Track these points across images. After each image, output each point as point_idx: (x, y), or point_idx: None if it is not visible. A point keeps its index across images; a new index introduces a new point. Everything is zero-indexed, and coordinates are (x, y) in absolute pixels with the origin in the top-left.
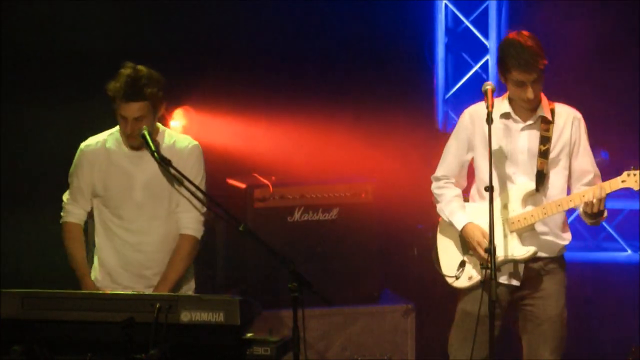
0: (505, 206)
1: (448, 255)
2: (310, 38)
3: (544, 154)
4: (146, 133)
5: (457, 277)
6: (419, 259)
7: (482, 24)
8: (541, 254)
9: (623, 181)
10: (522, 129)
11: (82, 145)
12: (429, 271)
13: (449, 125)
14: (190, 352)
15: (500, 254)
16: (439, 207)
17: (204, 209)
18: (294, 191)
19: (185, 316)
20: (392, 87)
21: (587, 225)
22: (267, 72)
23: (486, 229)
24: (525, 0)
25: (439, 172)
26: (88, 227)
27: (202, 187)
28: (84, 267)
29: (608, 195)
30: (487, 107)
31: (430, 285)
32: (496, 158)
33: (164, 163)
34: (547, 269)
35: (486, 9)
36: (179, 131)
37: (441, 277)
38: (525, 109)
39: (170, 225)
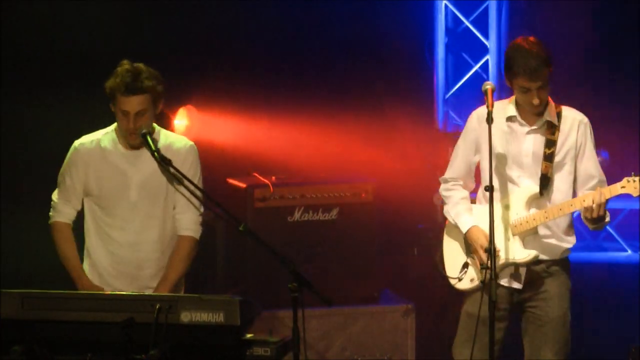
0: (509, 209)
1: (452, 257)
2: (310, 38)
3: (548, 158)
4: (146, 133)
5: (459, 279)
6: (419, 259)
7: (482, 24)
8: (543, 257)
9: (623, 187)
10: (528, 132)
11: (76, 143)
12: (429, 271)
13: (449, 125)
14: (190, 352)
15: (501, 257)
16: (445, 208)
17: (202, 209)
18: (294, 191)
19: (185, 316)
20: (392, 87)
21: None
22: (267, 72)
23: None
24: (525, 0)
25: (447, 174)
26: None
27: (200, 187)
28: (79, 267)
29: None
30: (487, 107)
31: (430, 285)
32: (502, 161)
33: (165, 163)
34: (550, 271)
35: (486, 9)
36: (182, 130)
37: (443, 278)
38: (532, 113)
39: (166, 226)
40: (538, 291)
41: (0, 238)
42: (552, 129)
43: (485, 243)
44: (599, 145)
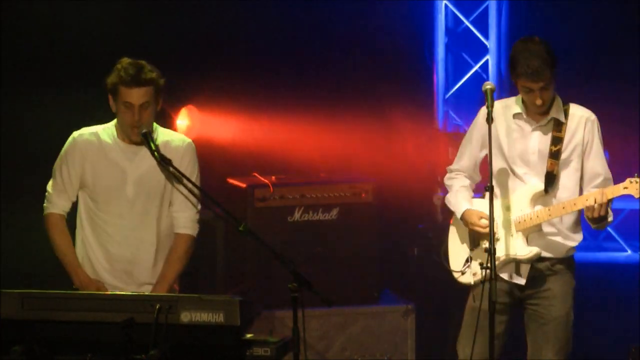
0: (513, 205)
1: (456, 251)
2: (310, 38)
3: (554, 155)
4: (147, 132)
5: (462, 273)
6: (419, 259)
7: (482, 24)
8: (548, 254)
9: (625, 188)
10: (534, 130)
11: (75, 134)
12: (429, 271)
13: (449, 125)
14: (190, 352)
15: (502, 253)
16: (447, 197)
17: (200, 207)
18: (294, 191)
19: (185, 316)
20: (393, 87)
21: (588, 225)
22: (268, 72)
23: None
24: (525, 0)
25: (454, 165)
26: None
27: (198, 184)
28: (75, 260)
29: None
30: (487, 107)
31: (430, 285)
32: (508, 158)
33: (165, 163)
34: (554, 269)
35: (486, 9)
36: (184, 130)
37: (447, 273)
38: (537, 112)
39: (162, 223)
40: (541, 289)
41: (0, 238)
42: (558, 126)
43: (476, 220)
44: None
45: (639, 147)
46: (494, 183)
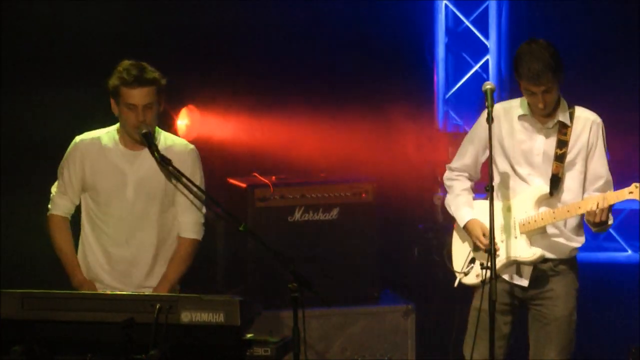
0: (517, 207)
1: (460, 251)
2: (310, 38)
3: (560, 158)
4: (147, 132)
5: (465, 274)
6: (419, 259)
7: (482, 24)
8: (551, 256)
9: (630, 192)
10: (539, 132)
11: (77, 138)
12: (429, 271)
13: (449, 125)
14: (190, 352)
15: (504, 255)
16: (447, 199)
17: (204, 210)
18: (295, 191)
19: (186, 317)
20: (393, 87)
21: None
22: (268, 72)
23: (495, 226)
24: (525, 0)
25: (454, 163)
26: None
27: (202, 189)
28: (74, 261)
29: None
30: (487, 107)
31: (430, 285)
32: (512, 159)
33: (164, 162)
34: (557, 270)
35: (486, 9)
36: (184, 130)
37: (448, 273)
38: (541, 114)
39: (163, 227)
40: (544, 290)
41: (0, 238)
42: (564, 129)
43: (479, 235)
44: None
45: (639, 147)
46: (495, 183)
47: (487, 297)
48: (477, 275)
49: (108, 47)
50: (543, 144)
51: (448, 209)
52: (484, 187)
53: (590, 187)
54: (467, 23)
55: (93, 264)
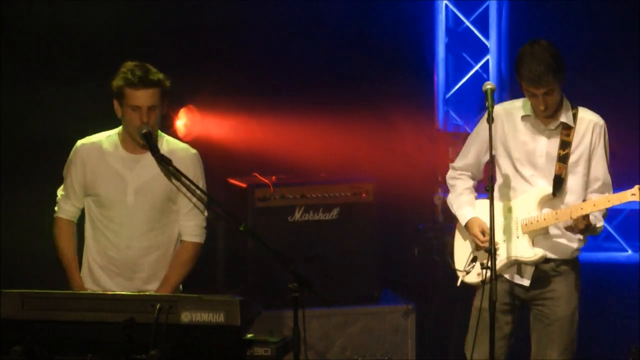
0: (520, 207)
1: (462, 250)
2: (311, 38)
3: (563, 159)
4: (147, 132)
5: (467, 272)
6: (419, 259)
7: (482, 24)
8: (553, 256)
9: (633, 194)
10: (542, 133)
11: (78, 143)
12: (429, 271)
13: (449, 125)
14: (190, 352)
15: (505, 255)
16: (449, 197)
17: (206, 213)
18: (295, 191)
19: (186, 317)
20: (393, 87)
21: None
22: (267, 72)
23: (496, 226)
24: (525, 0)
25: (457, 163)
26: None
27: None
28: (74, 265)
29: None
30: (488, 107)
31: (430, 285)
32: (515, 159)
33: (164, 162)
34: (559, 270)
35: (486, 9)
36: (183, 130)
37: (448, 273)
38: (543, 115)
39: (164, 232)
40: (546, 290)
41: (1, 238)
42: (567, 130)
43: (477, 233)
44: None
45: (639, 148)
46: (498, 183)
47: (488, 297)
48: (478, 274)
49: (108, 47)
50: (546, 145)
51: (450, 207)
52: (484, 187)
53: (589, 189)
54: (467, 23)
55: (95, 268)
